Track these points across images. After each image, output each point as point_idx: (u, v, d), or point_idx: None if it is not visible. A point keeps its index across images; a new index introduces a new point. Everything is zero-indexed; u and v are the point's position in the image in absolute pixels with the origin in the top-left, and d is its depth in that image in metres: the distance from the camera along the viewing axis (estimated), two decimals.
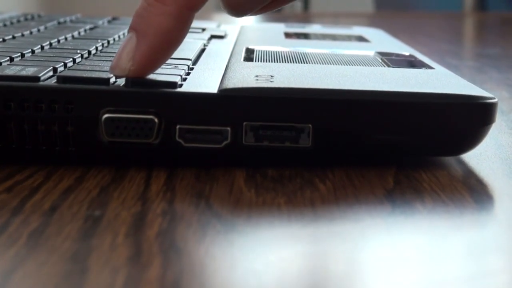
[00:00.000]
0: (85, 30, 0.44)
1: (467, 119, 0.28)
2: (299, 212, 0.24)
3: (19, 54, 0.33)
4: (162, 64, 0.28)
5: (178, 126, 0.28)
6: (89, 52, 0.35)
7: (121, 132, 0.27)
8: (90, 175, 0.27)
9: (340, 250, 0.21)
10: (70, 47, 0.36)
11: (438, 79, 0.32)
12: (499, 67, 0.61)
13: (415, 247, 0.22)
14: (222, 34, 0.46)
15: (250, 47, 0.40)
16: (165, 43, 0.27)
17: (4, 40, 0.38)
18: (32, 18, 0.51)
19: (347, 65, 0.35)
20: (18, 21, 0.48)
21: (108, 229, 0.22)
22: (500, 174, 0.29)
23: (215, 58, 0.36)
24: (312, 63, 0.35)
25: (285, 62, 0.35)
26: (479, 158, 0.31)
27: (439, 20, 1.14)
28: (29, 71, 0.28)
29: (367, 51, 0.41)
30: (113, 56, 0.33)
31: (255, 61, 0.35)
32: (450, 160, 0.31)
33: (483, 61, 0.66)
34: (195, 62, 0.34)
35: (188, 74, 0.31)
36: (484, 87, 0.31)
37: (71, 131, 0.27)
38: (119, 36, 0.42)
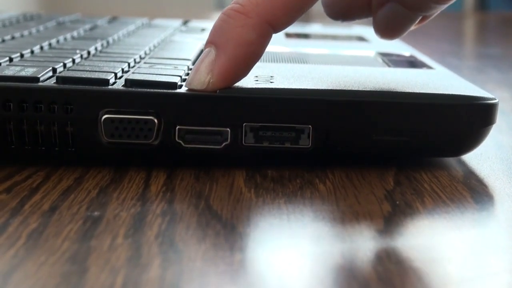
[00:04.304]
0: (84, 30, 0.44)
1: (467, 120, 0.28)
2: (299, 212, 0.24)
3: (19, 54, 0.32)
4: (241, 78, 0.28)
5: (177, 127, 0.27)
6: (89, 53, 0.35)
7: (120, 132, 0.27)
8: (89, 176, 0.27)
9: (340, 250, 0.21)
10: (69, 48, 0.36)
11: (439, 79, 0.32)
12: (500, 67, 0.61)
13: (415, 247, 0.22)
14: None
15: None
16: (245, 55, 0.27)
17: (3, 41, 0.38)
18: (32, 18, 0.51)
19: (347, 65, 0.35)
20: (18, 21, 0.48)
21: (108, 230, 0.22)
22: (501, 174, 0.29)
23: None
24: (312, 64, 0.35)
25: (285, 62, 0.35)
26: (479, 158, 0.31)
27: (440, 20, 1.14)
28: (29, 71, 0.28)
29: (368, 51, 0.41)
30: (112, 56, 0.33)
31: None
32: (450, 160, 0.31)
33: (484, 61, 0.66)
34: (195, 62, 0.34)
35: (187, 74, 0.31)
36: (484, 87, 0.31)
37: (70, 132, 0.27)
38: (118, 36, 0.42)
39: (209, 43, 0.27)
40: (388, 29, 0.33)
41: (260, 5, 0.27)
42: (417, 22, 0.32)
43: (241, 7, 0.27)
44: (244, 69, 0.27)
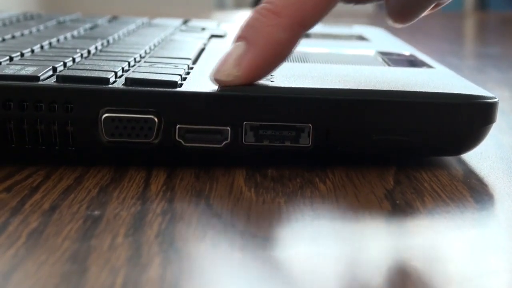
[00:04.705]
0: (84, 30, 0.44)
1: (467, 119, 0.28)
2: (299, 211, 0.24)
3: (19, 53, 0.32)
4: (266, 76, 0.28)
5: (178, 126, 0.27)
6: (89, 52, 0.35)
7: (120, 131, 0.27)
8: (89, 175, 0.27)
9: (340, 250, 0.21)
10: (69, 47, 0.36)
11: (439, 78, 0.32)
12: (499, 66, 0.61)
13: (415, 247, 0.22)
14: (222, 33, 0.46)
15: None
16: (274, 54, 0.27)
17: (3, 40, 0.38)
18: (32, 17, 0.51)
19: (347, 64, 0.35)
20: (18, 20, 0.48)
21: (108, 229, 0.22)
22: (501, 173, 0.29)
23: (215, 58, 0.36)
24: (312, 63, 0.35)
25: (286, 61, 0.35)
26: (479, 157, 0.31)
27: (440, 19, 1.14)
28: (29, 70, 0.28)
29: (368, 50, 0.41)
30: (113, 55, 0.33)
31: None
32: (450, 160, 0.31)
33: (484, 60, 0.66)
34: (195, 61, 0.34)
35: (188, 73, 0.31)
36: (484, 86, 0.31)
37: (70, 131, 0.27)
38: (118, 36, 0.42)
39: (239, 38, 0.28)
40: (401, 14, 0.33)
41: (291, 6, 0.27)
42: (430, 8, 0.32)
43: (274, 7, 0.27)
44: (271, 67, 0.28)
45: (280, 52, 0.27)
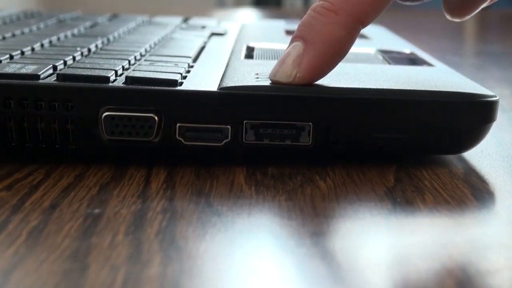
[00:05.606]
0: (85, 28, 0.44)
1: (468, 117, 0.28)
2: (300, 209, 0.24)
3: (19, 51, 0.32)
4: (326, 74, 0.28)
5: (178, 124, 0.27)
6: (89, 50, 0.35)
7: (121, 130, 0.27)
8: (90, 173, 0.27)
9: (341, 248, 0.21)
10: (70, 45, 0.36)
11: (439, 76, 0.32)
12: (500, 64, 0.61)
13: (415, 245, 0.22)
14: (222, 31, 0.46)
15: (251, 44, 0.40)
16: (334, 52, 0.27)
17: (4, 38, 0.38)
18: (32, 15, 0.51)
19: (347, 62, 0.35)
20: (18, 18, 0.48)
21: (108, 227, 0.22)
22: (501, 171, 0.29)
23: (215, 56, 0.36)
24: None
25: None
26: (480, 156, 0.31)
27: (440, 17, 1.14)
28: (29, 69, 0.28)
29: (368, 48, 0.41)
30: (113, 54, 0.33)
31: (256, 59, 0.35)
32: (451, 158, 0.31)
33: (484, 58, 0.66)
34: (195, 59, 0.34)
35: (188, 72, 0.31)
36: (485, 85, 0.31)
37: (71, 129, 0.27)
38: (119, 34, 0.42)
39: (297, 37, 0.28)
40: (460, 8, 0.32)
41: (349, 3, 0.27)
42: (488, 1, 0.32)
43: (330, 5, 0.27)
44: (331, 66, 0.28)
45: (339, 50, 0.27)
